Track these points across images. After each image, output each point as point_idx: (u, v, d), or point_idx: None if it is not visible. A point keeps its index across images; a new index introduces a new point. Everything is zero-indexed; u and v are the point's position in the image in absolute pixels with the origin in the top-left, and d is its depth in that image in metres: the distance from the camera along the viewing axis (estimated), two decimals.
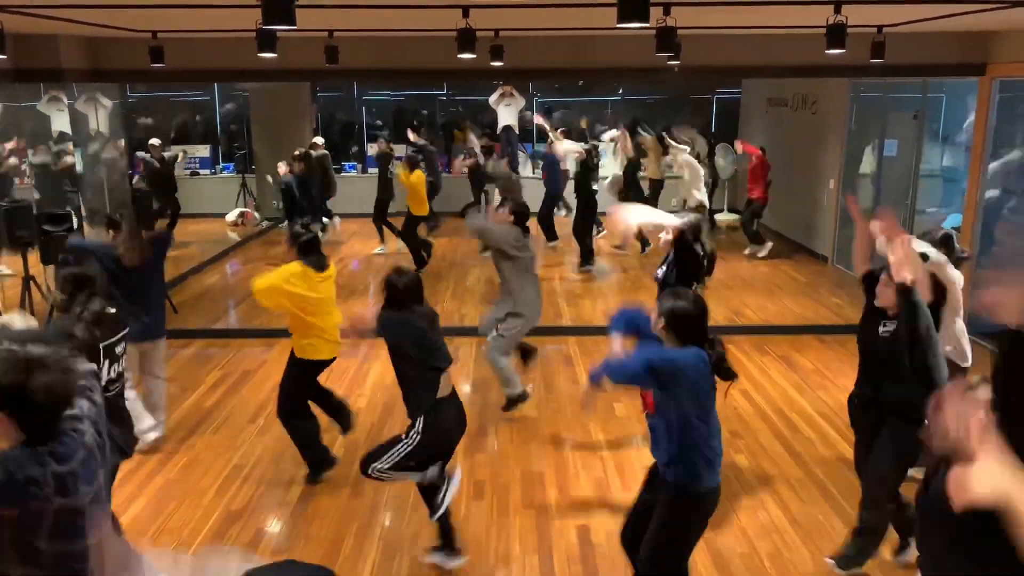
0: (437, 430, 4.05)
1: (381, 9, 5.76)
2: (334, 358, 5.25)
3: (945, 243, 4.69)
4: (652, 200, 12.87)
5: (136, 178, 12.15)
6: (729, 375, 3.29)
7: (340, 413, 5.47)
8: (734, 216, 13.60)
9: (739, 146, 12.05)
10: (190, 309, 9.03)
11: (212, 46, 8.10)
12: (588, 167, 10.82)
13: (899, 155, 9.73)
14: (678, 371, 3.18)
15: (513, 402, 6.19)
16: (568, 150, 11.26)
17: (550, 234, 11.84)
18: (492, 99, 13.68)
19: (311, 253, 4.98)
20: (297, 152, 11.74)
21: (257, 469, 5.34)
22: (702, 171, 11.89)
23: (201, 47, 8.08)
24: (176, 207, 12.53)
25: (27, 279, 7.52)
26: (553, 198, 11.75)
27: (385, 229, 11.64)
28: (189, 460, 5.56)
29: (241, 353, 7.65)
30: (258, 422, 6.12)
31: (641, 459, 5.35)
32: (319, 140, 13.25)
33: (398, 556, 4.42)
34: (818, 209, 11.40)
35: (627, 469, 5.37)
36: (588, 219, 10.90)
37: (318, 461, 5.23)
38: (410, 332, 4.02)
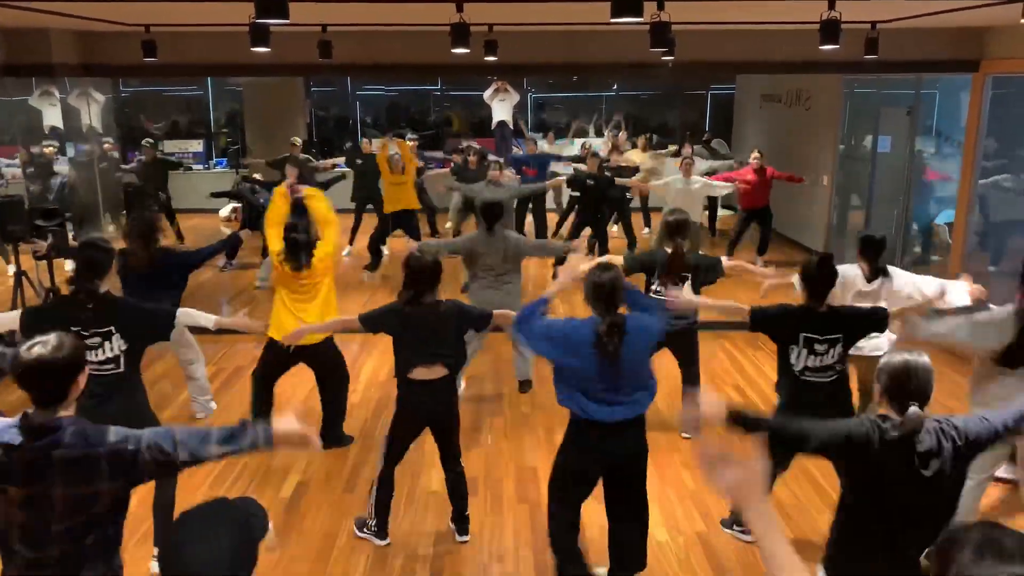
0: (402, 404, 4.33)
1: (375, 4, 5.75)
2: (283, 347, 5.11)
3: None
4: (643, 203, 12.82)
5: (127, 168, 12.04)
6: (603, 351, 3.58)
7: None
8: (729, 212, 13.59)
9: (725, 186, 10.12)
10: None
11: (205, 40, 8.07)
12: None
13: (892, 151, 9.76)
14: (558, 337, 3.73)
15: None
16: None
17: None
18: (486, 95, 13.65)
19: (293, 256, 5.10)
20: (303, 156, 10.83)
21: (250, 465, 5.33)
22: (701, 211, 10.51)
23: (194, 41, 8.05)
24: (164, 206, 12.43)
25: (19, 274, 7.49)
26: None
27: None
28: None
29: (233, 349, 7.63)
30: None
31: None
32: (296, 141, 12.02)
33: (391, 552, 4.42)
34: (812, 205, 11.41)
35: None
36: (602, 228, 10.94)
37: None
38: (385, 322, 4.29)
